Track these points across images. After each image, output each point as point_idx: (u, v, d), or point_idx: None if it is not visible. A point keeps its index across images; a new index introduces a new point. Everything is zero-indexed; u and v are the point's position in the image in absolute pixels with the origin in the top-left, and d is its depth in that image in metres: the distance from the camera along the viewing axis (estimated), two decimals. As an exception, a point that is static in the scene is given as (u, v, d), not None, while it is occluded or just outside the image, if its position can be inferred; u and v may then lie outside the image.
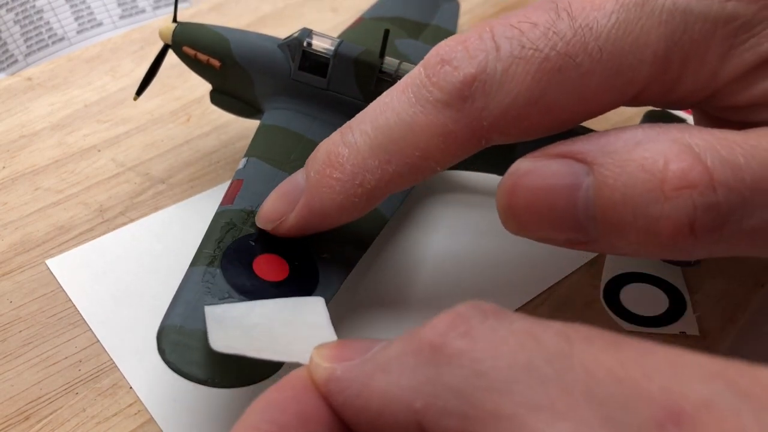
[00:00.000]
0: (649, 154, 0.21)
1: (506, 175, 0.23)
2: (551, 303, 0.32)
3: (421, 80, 0.24)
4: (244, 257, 0.27)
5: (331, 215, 0.26)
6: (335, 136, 0.26)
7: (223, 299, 0.26)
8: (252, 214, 0.29)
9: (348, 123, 0.26)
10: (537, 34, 0.23)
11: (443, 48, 0.24)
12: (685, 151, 0.20)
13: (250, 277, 0.27)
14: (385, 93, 0.25)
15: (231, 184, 0.30)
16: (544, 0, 0.24)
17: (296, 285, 0.27)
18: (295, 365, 0.20)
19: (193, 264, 0.27)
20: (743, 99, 0.24)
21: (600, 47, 0.23)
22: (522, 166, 0.23)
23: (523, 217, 0.23)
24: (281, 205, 0.27)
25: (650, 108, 0.39)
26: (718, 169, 0.20)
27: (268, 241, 0.28)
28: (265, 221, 0.28)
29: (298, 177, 0.27)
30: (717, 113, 0.26)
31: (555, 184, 0.22)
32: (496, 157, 0.33)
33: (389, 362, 0.17)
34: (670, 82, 0.24)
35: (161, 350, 0.24)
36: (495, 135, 0.24)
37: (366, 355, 0.18)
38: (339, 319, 0.31)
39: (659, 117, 0.38)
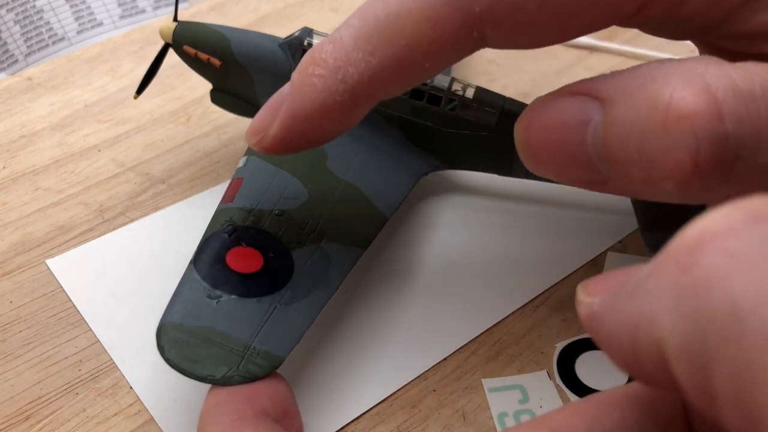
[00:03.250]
0: (659, 88, 0.20)
1: (524, 112, 0.22)
2: (551, 303, 0.32)
3: None
4: (217, 250, 0.27)
5: (314, 119, 0.24)
6: (324, 38, 0.24)
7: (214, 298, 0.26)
8: (252, 212, 0.29)
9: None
10: None
11: None
12: (694, 81, 0.19)
13: (223, 269, 0.27)
14: None
15: (231, 182, 0.31)
16: None
17: (269, 277, 0.27)
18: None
19: (192, 262, 0.27)
20: (748, 27, 0.22)
21: None
22: (538, 102, 0.22)
23: (538, 155, 0.22)
24: (266, 116, 0.25)
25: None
26: (728, 99, 0.18)
27: (244, 235, 0.28)
28: (250, 135, 0.25)
29: (286, 85, 0.25)
30: (720, 42, 0.24)
31: (566, 121, 0.21)
32: (496, 157, 0.33)
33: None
34: None
35: (160, 347, 0.24)
36: (488, 27, 0.22)
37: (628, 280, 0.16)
38: (337, 319, 0.31)
39: None
